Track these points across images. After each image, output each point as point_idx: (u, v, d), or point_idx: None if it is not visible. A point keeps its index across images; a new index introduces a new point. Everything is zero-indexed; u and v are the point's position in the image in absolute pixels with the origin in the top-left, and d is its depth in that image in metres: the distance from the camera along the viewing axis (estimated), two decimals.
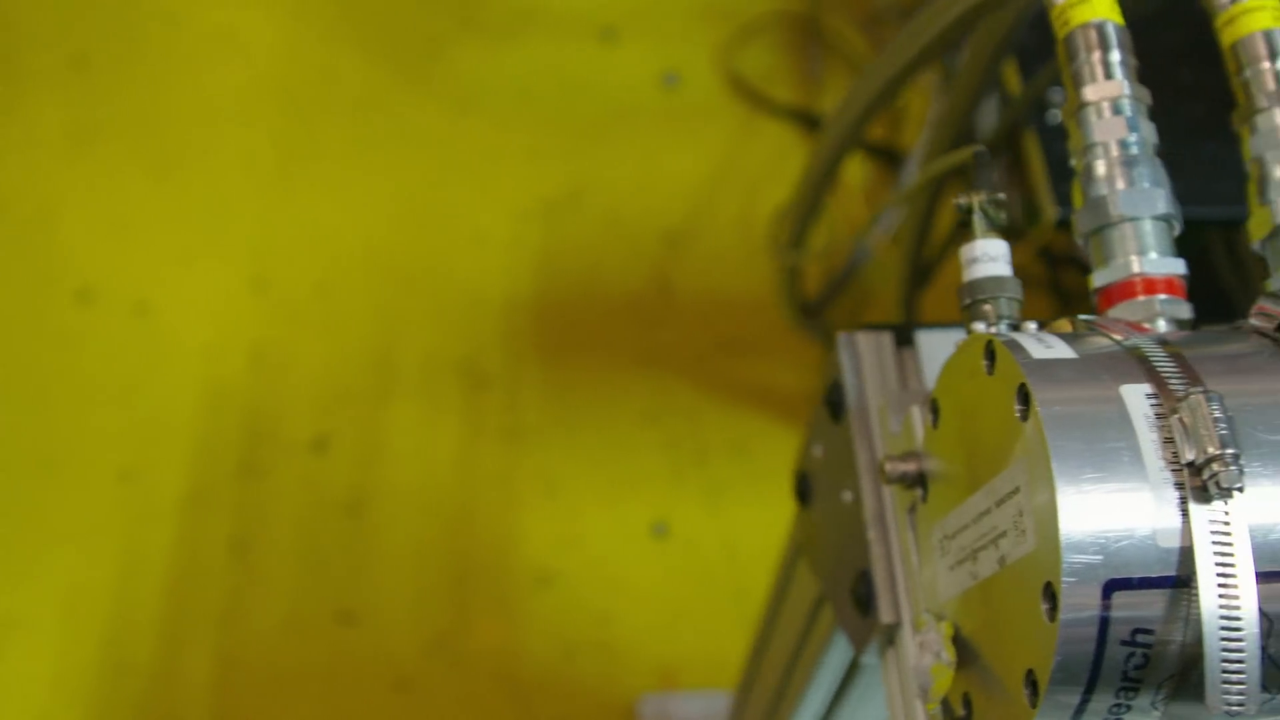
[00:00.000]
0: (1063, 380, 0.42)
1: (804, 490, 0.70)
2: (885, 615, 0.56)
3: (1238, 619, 0.39)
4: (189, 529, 1.40)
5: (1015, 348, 0.44)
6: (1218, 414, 0.40)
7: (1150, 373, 0.43)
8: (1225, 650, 0.39)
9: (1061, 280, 1.35)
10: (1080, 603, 0.40)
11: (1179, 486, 0.40)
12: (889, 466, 0.52)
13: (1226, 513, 0.40)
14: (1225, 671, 0.39)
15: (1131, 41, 0.54)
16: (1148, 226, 0.50)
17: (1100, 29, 0.53)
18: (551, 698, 1.34)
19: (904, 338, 0.63)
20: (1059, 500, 0.40)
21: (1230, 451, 0.40)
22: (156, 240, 1.56)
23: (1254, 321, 0.47)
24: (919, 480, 0.52)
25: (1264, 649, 0.41)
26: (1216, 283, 1.08)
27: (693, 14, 1.74)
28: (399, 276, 1.56)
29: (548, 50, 1.72)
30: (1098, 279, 0.50)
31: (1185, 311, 0.50)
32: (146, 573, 1.37)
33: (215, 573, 1.38)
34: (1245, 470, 0.41)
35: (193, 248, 1.56)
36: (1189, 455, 0.40)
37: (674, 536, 1.42)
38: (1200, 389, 0.41)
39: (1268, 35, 0.54)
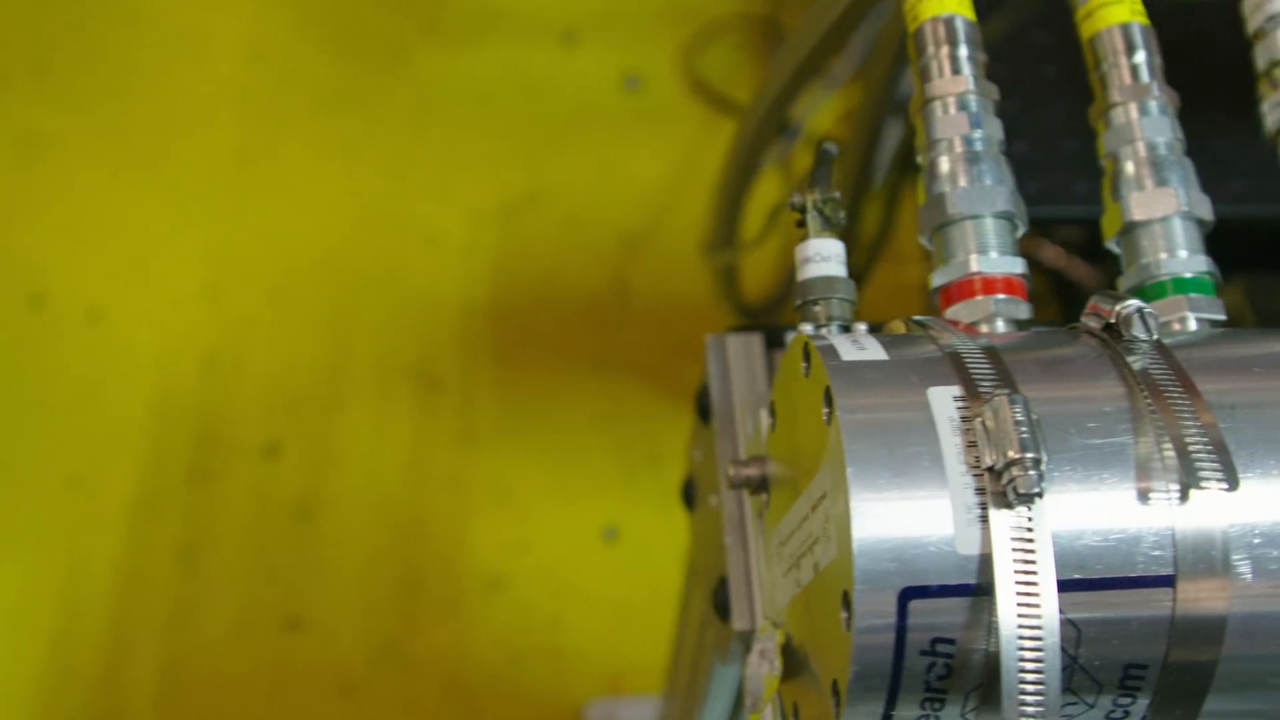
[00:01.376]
0: (869, 383, 0.41)
1: (689, 495, 0.69)
2: (738, 622, 0.55)
3: (1037, 628, 0.38)
4: (137, 535, 1.39)
5: (827, 350, 0.43)
6: (1019, 417, 0.39)
7: (962, 375, 0.41)
8: (1023, 660, 0.38)
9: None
10: (875, 610, 0.39)
11: (980, 492, 0.39)
12: (732, 470, 0.51)
13: (1029, 519, 0.39)
14: (1023, 683, 0.38)
15: (981, 37, 0.52)
16: (988, 224, 0.49)
17: (949, 24, 0.52)
18: (499, 702, 1.33)
19: (776, 339, 0.61)
20: (852, 506, 0.39)
21: (1030, 456, 0.38)
22: (111, 245, 1.56)
23: (1085, 321, 0.45)
24: (763, 484, 0.51)
25: (1074, 658, 0.40)
26: None
27: (654, 16, 1.73)
28: (354, 280, 1.56)
29: (509, 53, 1.71)
30: (937, 278, 0.49)
31: (1023, 312, 0.48)
32: (94, 578, 1.37)
33: (163, 578, 1.38)
34: (1053, 475, 0.39)
35: (147, 253, 1.56)
36: (989, 460, 0.39)
37: (624, 540, 1.41)
38: (1005, 391, 0.40)
39: (1125, 29, 0.53)
